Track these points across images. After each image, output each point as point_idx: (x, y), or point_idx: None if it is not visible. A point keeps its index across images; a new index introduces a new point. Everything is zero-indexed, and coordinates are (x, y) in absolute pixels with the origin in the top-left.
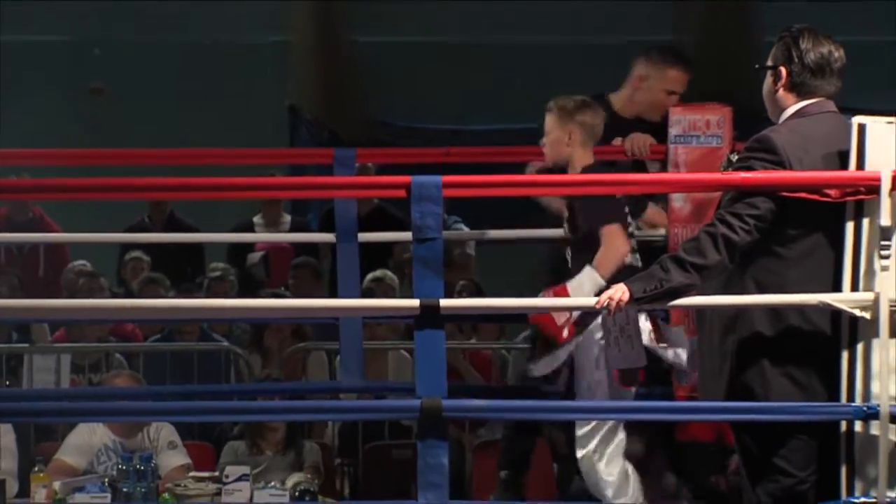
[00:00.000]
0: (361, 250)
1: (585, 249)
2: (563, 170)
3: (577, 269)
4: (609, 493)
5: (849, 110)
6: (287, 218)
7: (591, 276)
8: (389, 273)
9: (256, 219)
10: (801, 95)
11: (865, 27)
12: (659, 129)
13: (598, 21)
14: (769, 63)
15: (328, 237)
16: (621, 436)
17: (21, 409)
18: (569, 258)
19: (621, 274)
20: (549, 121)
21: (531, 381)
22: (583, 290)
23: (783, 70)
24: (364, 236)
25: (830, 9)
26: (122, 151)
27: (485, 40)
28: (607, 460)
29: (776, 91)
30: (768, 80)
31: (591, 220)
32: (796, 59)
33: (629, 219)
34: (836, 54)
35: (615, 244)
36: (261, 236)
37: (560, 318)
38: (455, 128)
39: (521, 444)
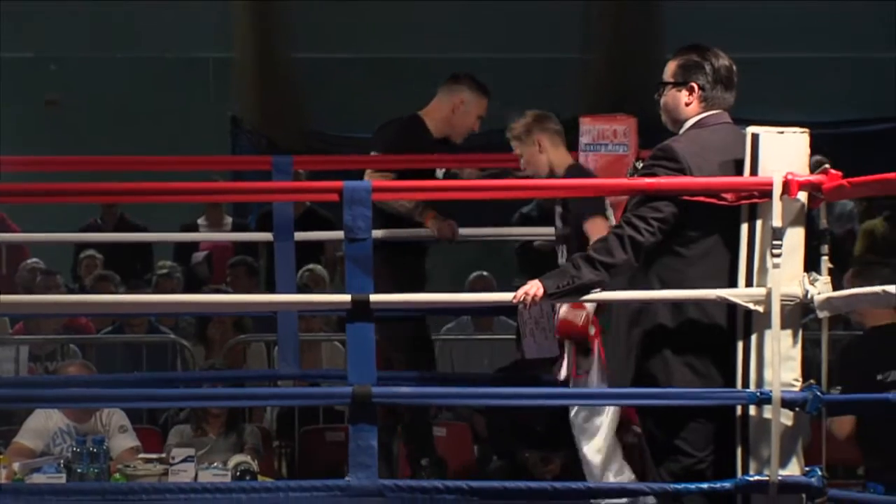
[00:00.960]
0: (296, 248)
1: (574, 241)
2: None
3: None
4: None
5: (744, 121)
6: (229, 220)
7: None
8: (319, 266)
9: (201, 220)
10: (708, 107)
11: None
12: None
13: (510, 38)
14: (672, 79)
15: (266, 236)
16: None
17: None
18: (560, 253)
19: None
20: (516, 146)
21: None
22: None
23: (695, 84)
24: (299, 235)
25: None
26: (77, 158)
27: (409, 56)
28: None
29: (688, 104)
30: (675, 93)
31: (578, 213)
32: (709, 73)
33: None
34: (734, 67)
35: (601, 234)
36: (204, 236)
37: (581, 319)
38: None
39: (420, 430)
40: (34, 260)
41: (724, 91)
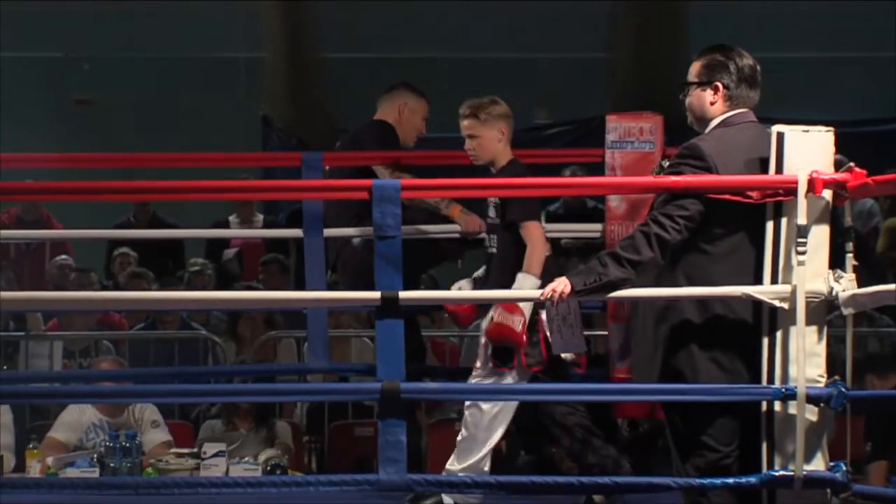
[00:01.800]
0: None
1: (507, 237)
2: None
3: (501, 251)
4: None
5: (768, 120)
6: (259, 217)
7: (526, 281)
8: None
9: (232, 218)
10: (733, 106)
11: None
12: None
13: (538, 38)
14: (697, 79)
15: (296, 233)
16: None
17: (18, 391)
18: (489, 242)
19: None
20: (473, 124)
21: None
22: (525, 283)
23: (720, 84)
24: (329, 232)
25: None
26: (109, 155)
27: (437, 55)
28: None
29: (713, 103)
30: (700, 93)
31: (514, 214)
32: (734, 73)
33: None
34: (758, 67)
35: (539, 239)
36: (234, 232)
37: (518, 325)
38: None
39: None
40: (63, 257)
41: (749, 90)
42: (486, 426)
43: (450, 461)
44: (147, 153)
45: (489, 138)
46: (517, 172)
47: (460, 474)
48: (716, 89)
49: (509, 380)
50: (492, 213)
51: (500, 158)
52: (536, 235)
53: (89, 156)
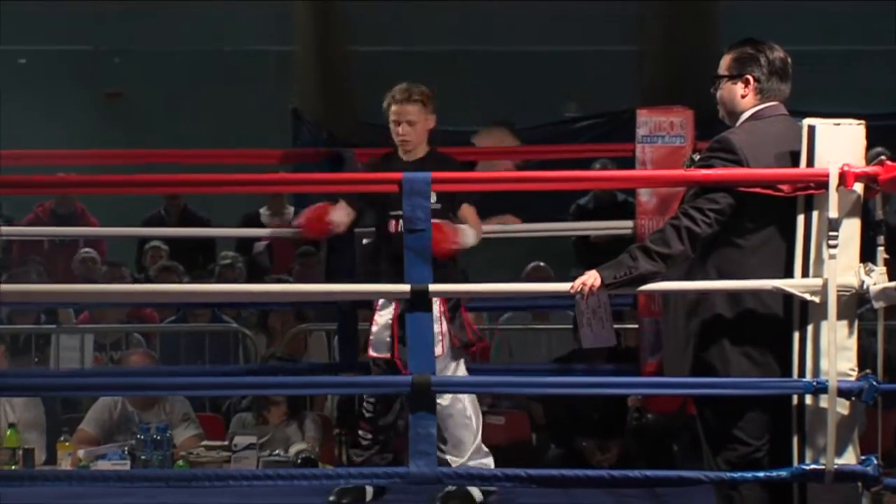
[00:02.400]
0: None
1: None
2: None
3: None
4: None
5: (799, 113)
6: (290, 209)
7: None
8: None
9: (262, 210)
10: (764, 99)
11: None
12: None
13: (566, 31)
14: (727, 72)
15: None
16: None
17: (49, 384)
18: None
19: None
20: (416, 109)
21: None
22: (468, 237)
23: (750, 77)
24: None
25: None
26: (139, 152)
27: (465, 48)
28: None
29: (744, 96)
30: (731, 86)
31: (456, 196)
32: (764, 66)
33: None
34: (789, 59)
35: (478, 221)
36: (252, 232)
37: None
38: (440, 128)
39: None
40: (87, 250)
41: (780, 82)
42: (470, 412)
43: (450, 458)
44: (175, 150)
45: (425, 127)
46: (445, 161)
47: (490, 467)
48: (746, 82)
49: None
50: (432, 198)
51: (423, 148)
52: (471, 215)
53: (116, 152)
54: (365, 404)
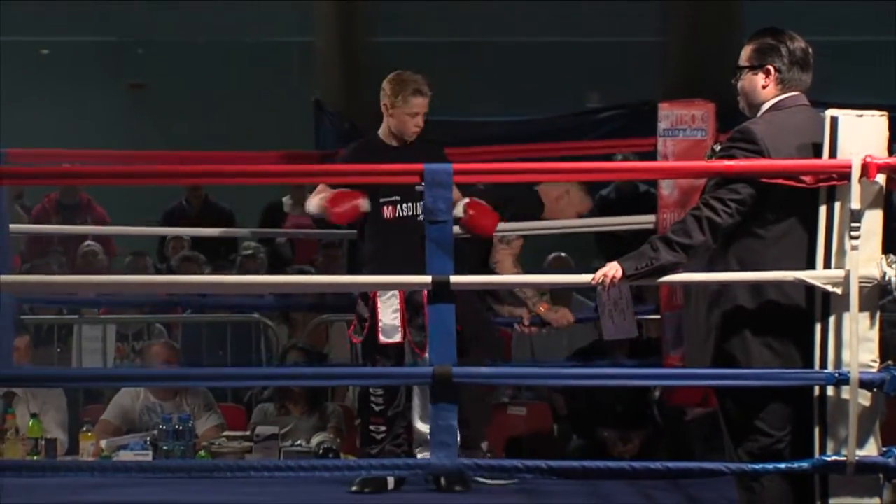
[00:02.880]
0: None
1: None
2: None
3: None
4: None
5: (821, 104)
6: None
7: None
8: None
9: (286, 199)
10: (785, 89)
11: (840, 27)
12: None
13: (588, 22)
14: (748, 63)
15: (349, 233)
16: None
17: (71, 374)
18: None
19: None
20: (426, 103)
21: None
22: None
23: (771, 67)
24: None
25: (804, 9)
26: (158, 154)
27: (487, 39)
28: None
29: (765, 87)
30: (752, 77)
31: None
32: (785, 56)
33: None
34: (810, 50)
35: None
36: (262, 231)
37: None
38: (463, 119)
39: None
40: (88, 243)
41: (801, 73)
42: None
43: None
44: (198, 152)
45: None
46: (432, 145)
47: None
48: (767, 73)
49: None
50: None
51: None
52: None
53: (143, 154)
54: (373, 398)
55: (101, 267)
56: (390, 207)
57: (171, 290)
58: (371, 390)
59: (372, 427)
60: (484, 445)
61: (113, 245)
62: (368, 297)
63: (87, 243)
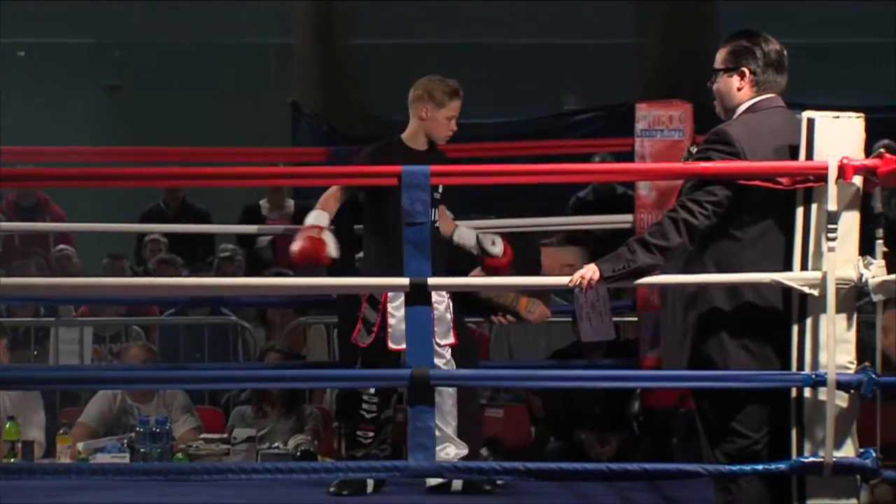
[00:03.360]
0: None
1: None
2: None
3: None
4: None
5: (798, 105)
6: (291, 202)
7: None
8: None
9: (263, 202)
10: (761, 91)
11: (814, 29)
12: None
13: (566, 24)
14: (723, 65)
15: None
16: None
17: (48, 377)
18: (434, 216)
19: None
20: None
21: None
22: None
23: (746, 69)
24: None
25: (780, 11)
26: (136, 149)
27: (464, 41)
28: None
29: (740, 89)
30: (727, 79)
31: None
32: (760, 58)
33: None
34: (785, 51)
35: (325, 196)
36: (244, 229)
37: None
38: None
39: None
40: (62, 247)
41: (776, 74)
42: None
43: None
44: (173, 147)
45: None
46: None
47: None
48: (742, 75)
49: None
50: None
51: None
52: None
53: (116, 149)
54: (365, 406)
55: (76, 270)
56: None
57: (150, 294)
58: (365, 397)
59: (360, 433)
60: (483, 451)
61: (75, 245)
62: (378, 302)
63: (60, 247)
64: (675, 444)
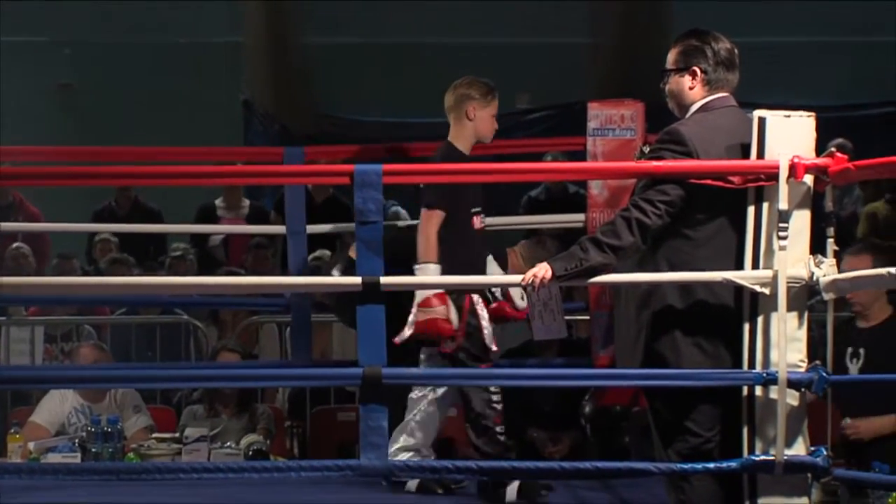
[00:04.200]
0: (313, 235)
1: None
2: None
3: None
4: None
5: (750, 104)
6: (246, 202)
7: (424, 271)
8: (327, 252)
9: (218, 202)
10: (712, 90)
11: (768, 28)
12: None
13: (519, 23)
14: (674, 66)
15: (279, 229)
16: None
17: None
18: None
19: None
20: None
21: None
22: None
23: (697, 69)
24: (312, 228)
25: (732, 10)
26: (88, 149)
27: (418, 40)
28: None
29: (692, 88)
30: (678, 79)
31: (423, 197)
32: (710, 57)
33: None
34: (735, 49)
35: (425, 230)
36: (219, 228)
37: (444, 315)
38: (395, 120)
39: None
40: (17, 245)
41: (727, 73)
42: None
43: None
44: (123, 147)
45: None
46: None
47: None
48: (694, 74)
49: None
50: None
51: None
52: (428, 221)
53: (68, 149)
54: (494, 398)
55: (30, 269)
56: (477, 218)
57: (102, 293)
58: (492, 390)
59: (499, 428)
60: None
61: (49, 245)
62: (462, 308)
63: (16, 245)
64: (628, 443)
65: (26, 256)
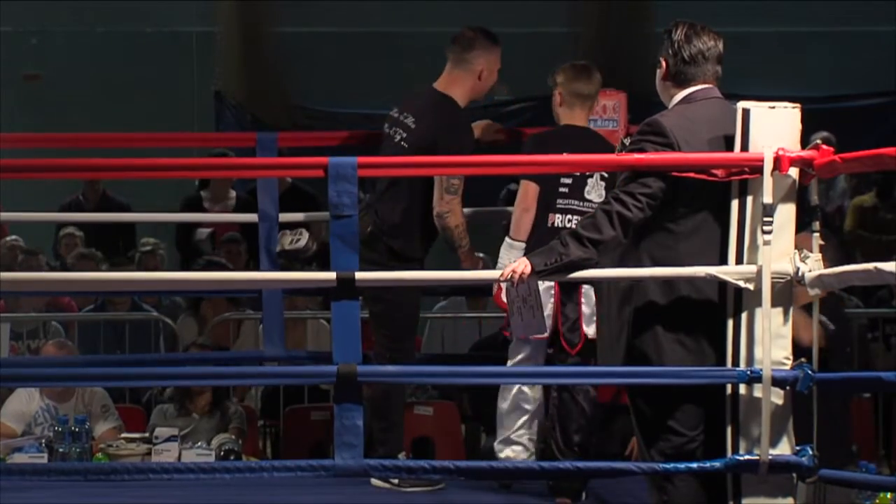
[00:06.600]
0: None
1: None
2: None
3: None
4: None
5: (733, 96)
6: (233, 194)
7: (508, 245)
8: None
9: (204, 193)
10: (680, 83)
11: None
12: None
13: (498, 13)
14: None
15: (252, 217)
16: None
17: None
18: None
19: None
20: None
21: None
22: (511, 256)
23: (664, 62)
24: (285, 216)
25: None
26: (59, 136)
27: (394, 30)
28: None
29: (664, 79)
30: (658, 71)
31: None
32: (671, 51)
33: None
34: (710, 43)
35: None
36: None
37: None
38: (368, 111)
39: None
40: (13, 237)
41: (690, 67)
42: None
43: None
44: (94, 133)
45: None
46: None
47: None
48: (663, 66)
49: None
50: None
51: None
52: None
53: (39, 136)
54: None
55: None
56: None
57: (69, 289)
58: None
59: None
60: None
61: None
62: (574, 296)
63: (12, 237)
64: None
65: (23, 249)
